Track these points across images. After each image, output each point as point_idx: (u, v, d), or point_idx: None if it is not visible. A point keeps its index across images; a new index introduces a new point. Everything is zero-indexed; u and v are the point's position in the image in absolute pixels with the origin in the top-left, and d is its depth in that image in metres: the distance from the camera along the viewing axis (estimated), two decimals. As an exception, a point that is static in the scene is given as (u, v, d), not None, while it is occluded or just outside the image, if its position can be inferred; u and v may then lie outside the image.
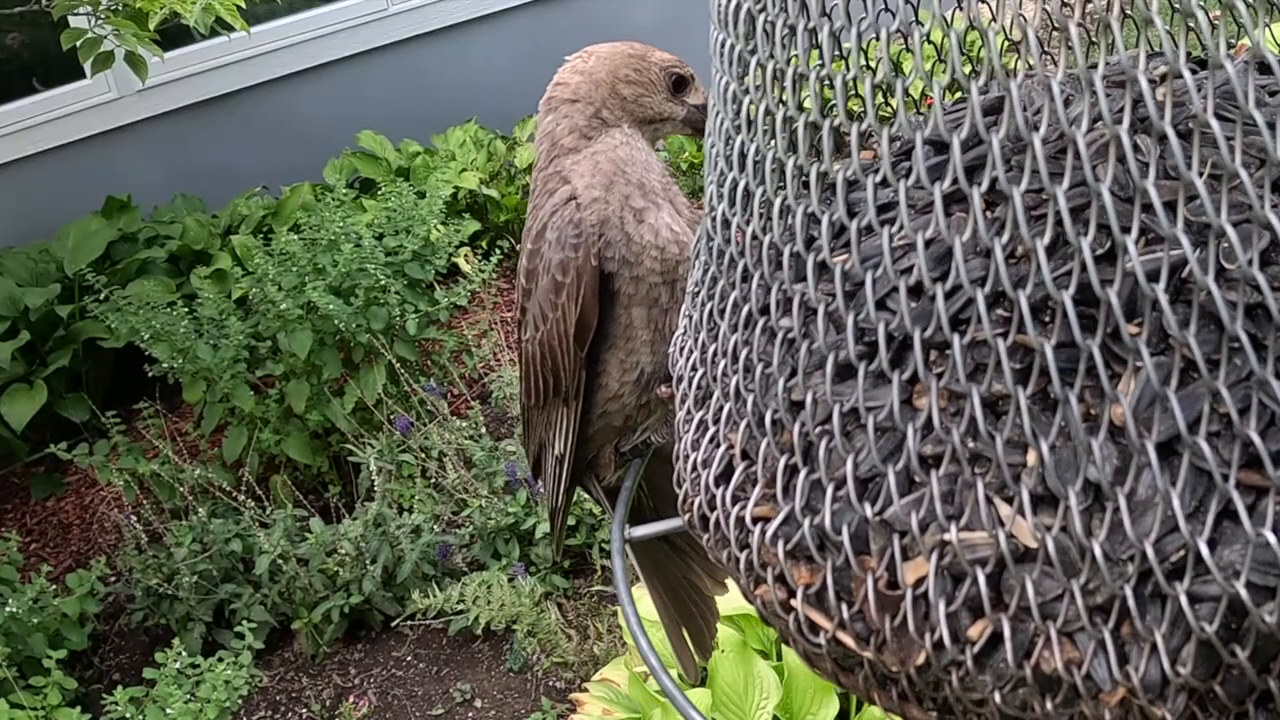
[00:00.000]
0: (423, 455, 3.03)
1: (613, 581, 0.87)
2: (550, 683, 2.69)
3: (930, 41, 0.62)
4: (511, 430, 3.23)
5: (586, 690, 2.20)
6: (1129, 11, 0.50)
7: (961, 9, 0.61)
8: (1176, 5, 0.48)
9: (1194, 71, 0.45)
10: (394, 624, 2.88)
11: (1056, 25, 0.58)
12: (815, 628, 0.54)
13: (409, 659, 2.85)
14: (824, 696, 1.98)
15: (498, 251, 3.57)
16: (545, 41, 4.49)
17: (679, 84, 0.97)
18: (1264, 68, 0.45)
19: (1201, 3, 0.45)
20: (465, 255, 3.78)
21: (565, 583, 2.84)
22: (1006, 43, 0.64)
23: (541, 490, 1.16)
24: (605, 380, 0.97)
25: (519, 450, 2.98)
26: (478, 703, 2.71)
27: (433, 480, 3.00)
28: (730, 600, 2.13)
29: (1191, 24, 0.47)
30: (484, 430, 3.09)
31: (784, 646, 2.04)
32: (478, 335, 3.50)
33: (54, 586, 2.86)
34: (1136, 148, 0.47)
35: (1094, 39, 0.56)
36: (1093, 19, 0.55)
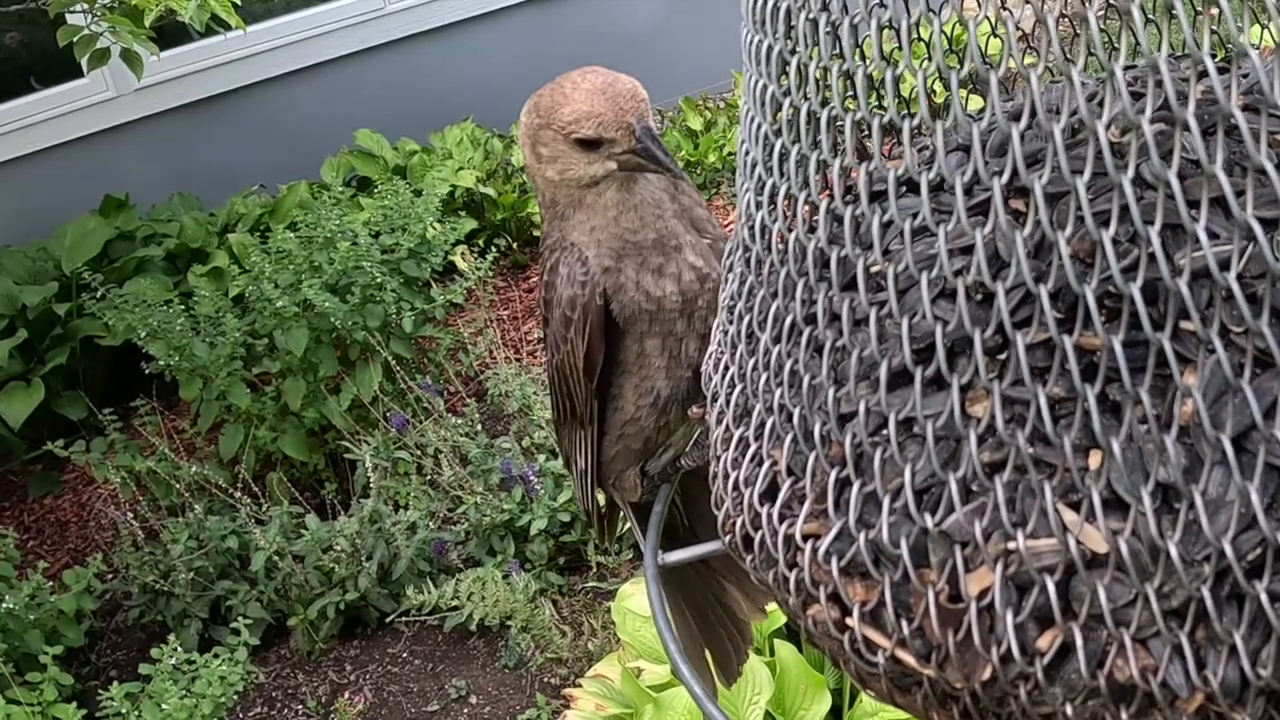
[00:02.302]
0: (418, 452, 3.03)
1: (650, 609, 0.85)
2: (545, 679, 2.70)
3: (995, 32, 0.60)
4: (507, 427, 3.24)
5: (580, 686, 2.21)
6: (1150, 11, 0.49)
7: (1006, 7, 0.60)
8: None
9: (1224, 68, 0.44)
10: (389, 620, 2.89)
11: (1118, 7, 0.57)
12: (872, 646, 0.52)
13: (404, 655, 2.86)
14: (816, 692, 1.99)
15: (494, 249, 3.57)
16: (543, 40, 4.49)
17: (588, 145, 0.86)
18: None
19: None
20: (462, 253, 3.78)
21: (560, 579, 2.85)
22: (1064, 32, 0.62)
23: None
24: (621, 404, 0.96)
25: (514, 447, 2.99)
26: (473, 699, 2.71)
27: (428, 477, 3.01)
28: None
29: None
30: (480, 427, 3.10)
31: (779, 643, 2.05)
32: (474, 333, 3.51)
33: (51, 583, 2.87)
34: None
35: (1156, 20, 0.55)
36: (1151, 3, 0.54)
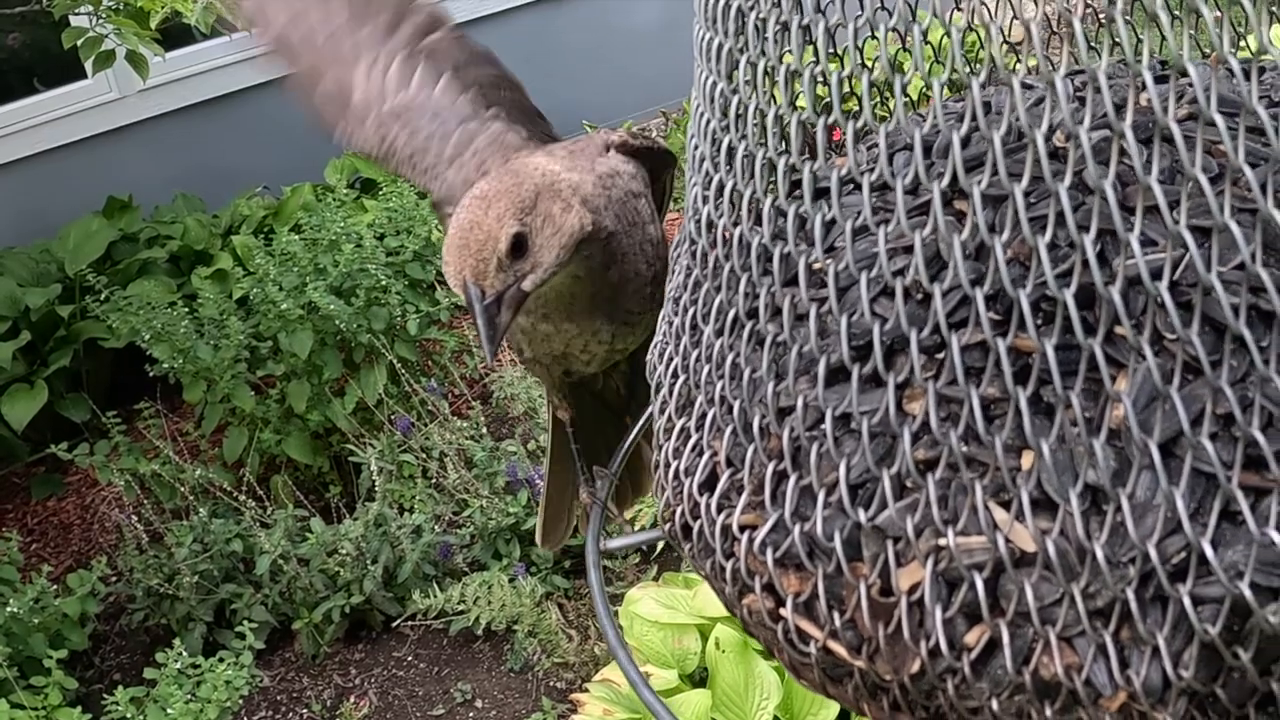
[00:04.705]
0: (423, 455, 3.03)
1: (590, 593, 0.86)
2: (551, 683, 2.69)
3: (928, 41, 0.61)
4: (512, 430, 3.23)
5: (587, 690, 2.20)
6: (1128, 16, 0.50)
7: (960, 8, 0.61)
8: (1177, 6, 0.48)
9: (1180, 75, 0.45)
10: (395, 624, 2.88)
11: (1056, 26, 0.57)
12: (805, 637, 0.53)
13: (410, 659, 2.85)
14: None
15: (499, 251, 3.56)
16: (547, 42, 4.48)
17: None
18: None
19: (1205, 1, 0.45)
20: (466, 255, 3.77)
21: (566, 583, 2.84)
22: (1004, 43, 0.64)
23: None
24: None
25: (519, 450, 2.98)
26: (478, 703, 2.71)
27: (433, 480, 3.00)
28: (731, 601, 2.12)
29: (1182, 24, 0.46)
30: (485, 430, 3.09)
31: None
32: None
33: (55, 586, 2.86)
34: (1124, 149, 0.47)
35: (1094, 41, 0.56)
36: (1095, 17, 0.55)
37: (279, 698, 2.83)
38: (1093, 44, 0.58)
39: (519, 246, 0.77)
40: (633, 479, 1.09)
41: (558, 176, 0.82)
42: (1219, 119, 0.43)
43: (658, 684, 2.08)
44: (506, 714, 2.66)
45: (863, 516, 0.50)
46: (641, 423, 0.98)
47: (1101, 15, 0.52)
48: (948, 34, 0.52)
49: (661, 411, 0.66)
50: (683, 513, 0.60)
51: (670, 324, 0.68)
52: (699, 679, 2.12)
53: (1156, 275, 0.45)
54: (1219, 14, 0.48)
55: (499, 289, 0.77)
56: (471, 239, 0.77)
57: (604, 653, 2.61)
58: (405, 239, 3.31)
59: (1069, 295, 0.46)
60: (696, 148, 0.66)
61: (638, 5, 4.59)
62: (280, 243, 3.25)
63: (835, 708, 1.98)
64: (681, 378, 0.64)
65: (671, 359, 0.66)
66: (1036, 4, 0.58)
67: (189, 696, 2.46)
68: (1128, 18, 0.51)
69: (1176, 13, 0.53)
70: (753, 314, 0.58)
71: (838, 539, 0.51)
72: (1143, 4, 0.56)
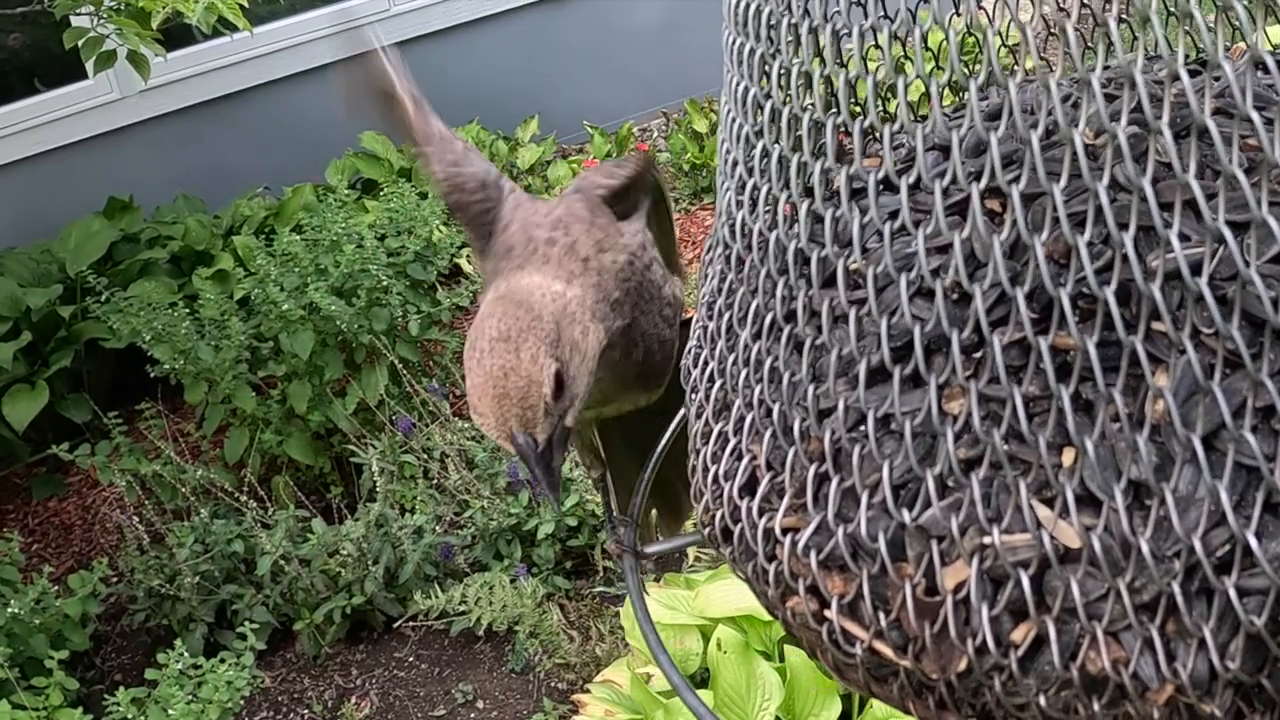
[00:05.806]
0: (425, 456, 3.02)
1: (628, 592, 0.86)
2: (552, 684, 2.69)
3: (964, 33, 0.61)
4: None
5: (589, 691, 2.20)
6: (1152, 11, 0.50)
7: (982, 7, 0.60)
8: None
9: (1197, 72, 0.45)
10: (396, 625, 2.88)
11: (1095, 20, 0.57)
12: (850, 638, 0.53)
13: (411, 660, 2.85)
14: (826, 698, 1.97)
15: (500, 252, 3.56)
16: (548, 42, 4.48)
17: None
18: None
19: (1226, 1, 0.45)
20: (467, 256, 3.77)
21: (567, 584, 2.84)
22: (1038, 39, 0.64)
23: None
24: None
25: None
26: (480, 704, 2.70)
27: (435, 481, 3.00)
28: (732, 602, 2.12)
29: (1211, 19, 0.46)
30: (486, 431, 3.09)
31: (788, 648, 2.04)
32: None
33: (56, 587, 2.86)
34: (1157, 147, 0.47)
35: (1134, 33, 0.55)
36: (1127, 13, 0.55)
37: (280, 698, 2.83)
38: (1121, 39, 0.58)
39: (559, 385, 0.75)
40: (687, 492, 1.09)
41: (565, 298, 0.79)
42: (1254, 114, 0.43)
43: (660, 685, 2.08)
44: (508, 715, 2.66)
45: (907, 517, 0.50)
46: (669, 436, 0.96)
47: (1132, 12, 0.51)
48: (971, 33, 0.53)
49: (698, 416, 0.66)
50: (722, 516, 0.60)
51: (705, 328, 0.68)
52: (700, 680, 2.12)
53: (1195, 270, 0.45)
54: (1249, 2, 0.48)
55: (549, 432, 0.75)
56: (510, 387, 0.73)
57: (605, 653, 2.61)
58: (406, 239, 3.31)
59: (1109, 292, 0.46)
60: (729, 152, 0.65)
61: (638, 5, 4.59)
62: (281, 243, 3.25)
63: (836, 709, 1.98)
64: (718, 382, 0.64)
65: (707, 363, 0.66)
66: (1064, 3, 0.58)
67: (190, 697, 2.46)
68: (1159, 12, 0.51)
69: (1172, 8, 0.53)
70: (790, 317, 0.58)
71: (882, 540, 0.51)
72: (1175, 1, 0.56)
